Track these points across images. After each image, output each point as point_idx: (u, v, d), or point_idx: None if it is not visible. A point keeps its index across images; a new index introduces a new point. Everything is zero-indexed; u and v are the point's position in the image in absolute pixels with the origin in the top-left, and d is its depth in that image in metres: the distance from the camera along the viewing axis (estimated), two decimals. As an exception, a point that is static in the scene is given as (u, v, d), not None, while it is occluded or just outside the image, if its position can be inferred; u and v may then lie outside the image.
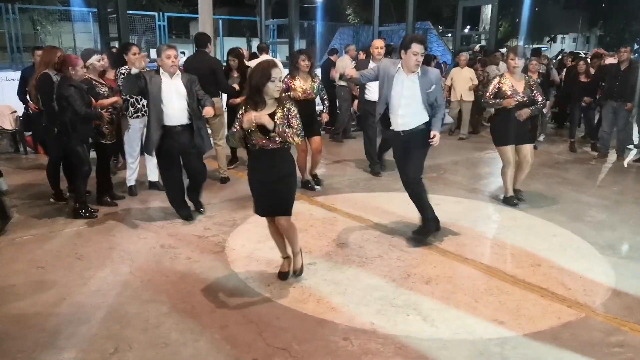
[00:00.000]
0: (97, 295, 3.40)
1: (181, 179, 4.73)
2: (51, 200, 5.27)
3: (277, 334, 2.98)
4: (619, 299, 3.48)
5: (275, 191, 3.39)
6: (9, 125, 7.33)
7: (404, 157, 4.27)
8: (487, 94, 5.20)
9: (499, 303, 3.39)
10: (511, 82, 5.10)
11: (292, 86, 5.59)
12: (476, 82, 9.17)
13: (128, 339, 2.91)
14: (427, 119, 4.18)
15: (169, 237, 4.43)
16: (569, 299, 3.45)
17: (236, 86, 6.30)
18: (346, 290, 3.53)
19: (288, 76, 5.62)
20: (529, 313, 3.27)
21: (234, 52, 6.68)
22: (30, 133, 7.41)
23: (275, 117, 3.26)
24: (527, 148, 5.29)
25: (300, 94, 5.53)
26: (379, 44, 6.32)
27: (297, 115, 3.37)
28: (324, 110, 5.95)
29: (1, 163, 6.90)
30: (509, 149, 5.26)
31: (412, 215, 4.76)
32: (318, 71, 9.68)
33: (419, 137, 4.18)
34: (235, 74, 6.61)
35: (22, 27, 15.04)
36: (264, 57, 8.01)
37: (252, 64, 7.75)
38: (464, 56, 9.34)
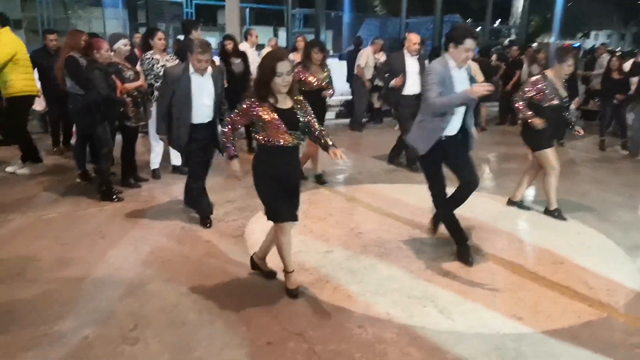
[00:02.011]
0: (118, 273, 3.48)
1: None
2: (77, 180, 5.39)
3: (292, 319, 3.00)
4: (643, 300, 3.40)
5: (295, 191, 3.23)
6: (38, 106, 7.48)
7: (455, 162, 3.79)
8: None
9: (517, 299, 3.35)
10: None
11: (304, 77, 5.45)
12: (482, 78, 9.16)
13: (147, 316, 2.97)
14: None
15: (190, 220, 4.49)
16: (590, 298, 3.38)
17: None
18: (363, 280, 3.53)
19: (300, 67, 5.52)
20: (547, 310, 3.21)
21: (229, 36, 6.76)
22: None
23: (298, 115, 3.09)
24: None
25: (312, 85, 5.42)
26: (415, 39, 6.17)
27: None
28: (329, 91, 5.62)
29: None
30: None
31: (432, 208, 4.72)
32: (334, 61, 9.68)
33: (461, 137, 3.78)
34: (237, 60, 6.64)
35: (53, 11, 15.35)
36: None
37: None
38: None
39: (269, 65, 2.98)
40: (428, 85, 3.61)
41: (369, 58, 9.00)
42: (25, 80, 5.61)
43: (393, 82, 6.09)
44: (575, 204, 5.37)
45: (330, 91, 5.57)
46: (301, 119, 3.11)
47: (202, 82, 4.17)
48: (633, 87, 7.86)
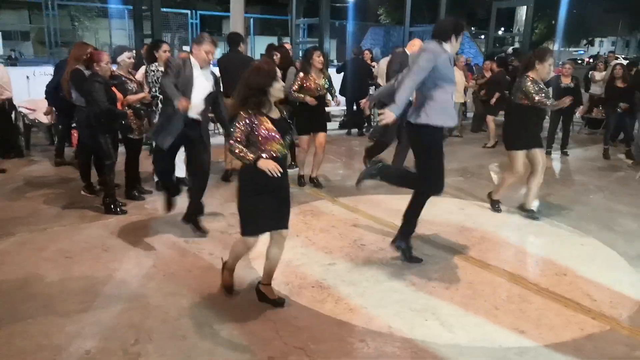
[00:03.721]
0: (121, 287, 3.49)
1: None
2: (82, 192, 5.43)
3: (294, 333, 3.00)
4: (647, 312, 3.38)
5: (284, 202, 3.19)
6: (45, 118, 7.57)
7: None
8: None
9: (520, 311, 3.33)
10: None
11: (306, 84, 5.63)
12: (467, 84, 9.47)
13: (149, 330, 2.98)
14: None
15: (193, 232, 4.50)
16: (593, 310, 3.36)
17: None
18: (365, 292, 3.53)
19: (300, 74, 5.70)
20: (551, 323, 3.20)
21: (277, 48, 6.76)
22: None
23: (287, 122, 3.16)
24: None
25: (314, 91, 5.62)
26: (420, 44, 6.23)
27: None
28: (333, 98, 5.92)
29: (37, 155, 7.15)
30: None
31: (434, 218, 4.72)
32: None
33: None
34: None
35: (60, 23, 15.55)
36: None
37: None
38: (462, 58, 9.73)
39: (270, 71, 3.02)
40: None
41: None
42: None
43: None
44: (579, 213, 5.35)
45: (337, 99, 5.67)
46: (290, 126, 3.18)
47: (203, 75, 4.19)
48: None
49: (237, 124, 2.98)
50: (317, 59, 5.60)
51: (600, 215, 5.30)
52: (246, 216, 3.12)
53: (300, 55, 8.76)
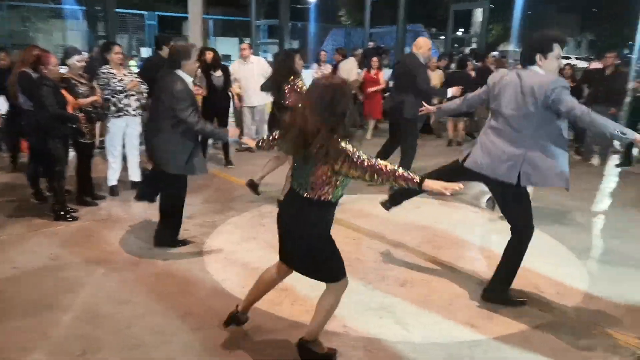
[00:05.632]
0: (70, 296, 3.38)
1: None
2: (31, 199, 5.24)
3: (249, 337, 2.98)
4: (591, 302, 3.51)
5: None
6: (-7, 123, 7.26)
7: None
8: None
9: (473, 306, 3.41)
10: None
11: (304, 88, 5.01)
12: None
13: (98, 340, 2.90)
14: None
15: (148, 237, 4.39)
16: (542, 302, 3.48)
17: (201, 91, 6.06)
18: (321, 293, 3.52)
19: (299, 81, 5.20)
20: (501, 316, 3.29)
21: (208, 48, 6.76)
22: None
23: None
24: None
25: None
26: (422, 42, 5.95)
27: None
28: None
29: (-17, 161, 6.84)
30: None
31: (389, 217, 4.77)
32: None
33: None
34: (219, 73, 6.63)
35: (11, 24, 14.96)
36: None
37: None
38: (434, 59, 9.73)
39: (349, 90, 2.51)
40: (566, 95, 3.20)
41: (352, 69, 9.07)
42: None
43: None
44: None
45: None
46: None
47: None
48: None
49: (357, 153, 2.40)
50: (299, 62, 5.48)
51: (550, 210, 5.48)
52: (338, 258, 2.67)
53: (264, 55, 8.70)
